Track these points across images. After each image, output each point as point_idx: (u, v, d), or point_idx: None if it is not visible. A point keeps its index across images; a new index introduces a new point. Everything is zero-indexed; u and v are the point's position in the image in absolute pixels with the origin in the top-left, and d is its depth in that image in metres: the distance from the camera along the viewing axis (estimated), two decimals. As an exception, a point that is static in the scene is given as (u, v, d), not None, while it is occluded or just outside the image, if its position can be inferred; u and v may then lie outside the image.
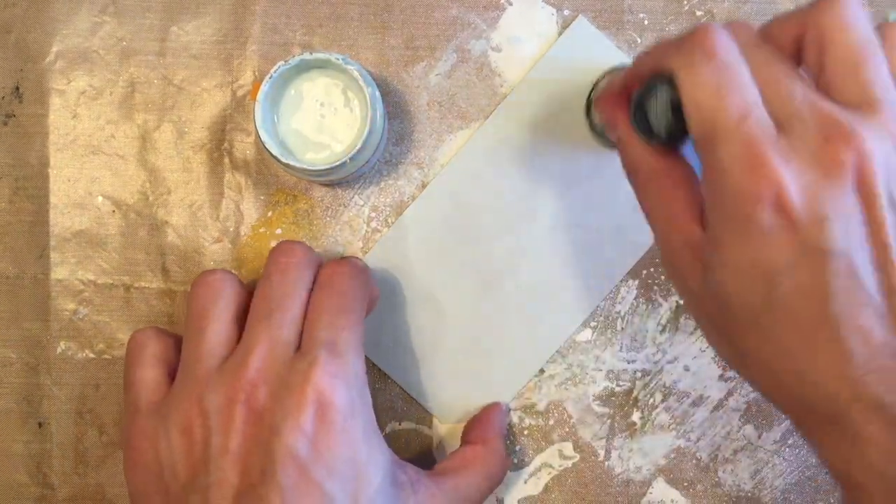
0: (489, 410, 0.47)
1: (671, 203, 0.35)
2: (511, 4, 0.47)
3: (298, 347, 0.39)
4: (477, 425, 0.46)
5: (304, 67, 0.43)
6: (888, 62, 0.32)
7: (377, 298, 0.45)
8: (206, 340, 0.39)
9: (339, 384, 0.37)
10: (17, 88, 0.47)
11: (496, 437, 0.45)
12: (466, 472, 0.43)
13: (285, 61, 0.42)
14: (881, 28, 0.33)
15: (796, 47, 0.33)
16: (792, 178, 0.30)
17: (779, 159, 0.30)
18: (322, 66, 0.43)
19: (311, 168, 0.42)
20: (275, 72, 0.42)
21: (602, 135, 0.45)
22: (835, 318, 0.30)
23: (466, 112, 0.47)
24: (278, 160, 0.42)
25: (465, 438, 0.46)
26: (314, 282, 0.41)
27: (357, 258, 0.46)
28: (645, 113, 0.35)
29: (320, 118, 0.44)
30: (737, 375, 0.47)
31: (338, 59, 0.42)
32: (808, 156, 0.30)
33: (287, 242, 0.41)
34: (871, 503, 0.31)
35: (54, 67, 0.47)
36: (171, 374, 0.40)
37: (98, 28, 0.47)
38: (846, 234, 0.30)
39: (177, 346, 0.41)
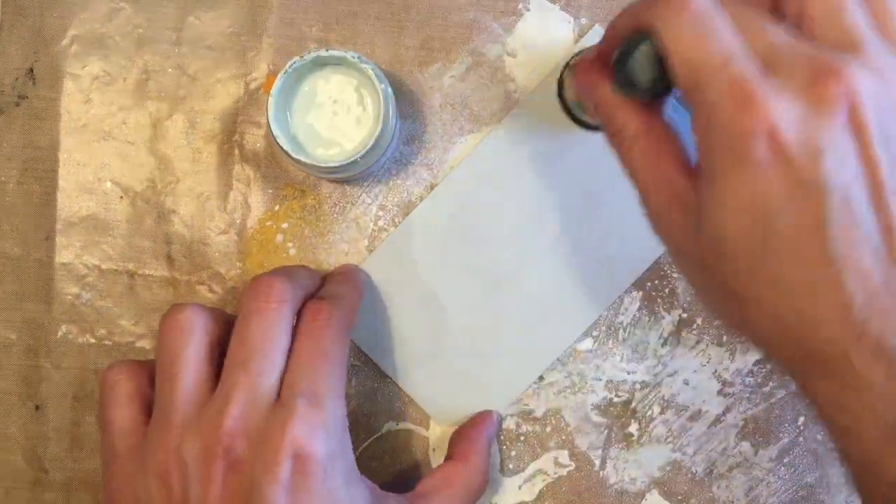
0: (477, 423, 0.47)
1: (658, 159, 0.35)
2: (528, 10, 0.47)
3: (280, 392, 0.38)
4: (462, 439, 0.46)
5: (318, 64, 0.43)
6: (867, 5, 0.32)
7: (363, 295, 0.45)
8: (180, 386, 0.38)
9: (318, 434, 0.36)
10: (31, 71, 0.47)
11: (479, 452, 0.45)
12: (448, 491, 0.44)
13: (301, 57, 0.42)
14: None
15: (775, 4, 0.33)
16: (784, 112, 0.30)
17: (769, 94, 0.30)
18: (337, 63, 0.43)
19: (321, 164, 0.42)
20: (290, 67, 0.42)
21: (575, 113, 0.46)
22: (833, 256, 0.30)
23: (479, 115, 0.47)
24: (289, 155, 0.42)
25: (450, 451, 0.46)
26: (297, 316, 0.40)
27: (347, 274, 0.46)
28: (627, 70, 0.35)
29: (332, 115, 0.44)
30: (736, 392, 0.47)
31: (353, 57, 0.42)
32: (798, 92, 0.30)
33: (265, 279, 0.40)
34: (869, 451, 0.31)
35: (69, 51, 0.47)
36: (149, 409, 0.39)
37: (115, 14, 0.47)
38: (842, 169, 0.30)
39: (152, 378, 0.40)
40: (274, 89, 0.42)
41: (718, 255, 0.33)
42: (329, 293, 0.42)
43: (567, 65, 0.46)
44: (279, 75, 0.42)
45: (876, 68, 0.31)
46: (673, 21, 0.32)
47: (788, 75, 0.31)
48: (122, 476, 0.38)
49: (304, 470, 0.36)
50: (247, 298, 0.39)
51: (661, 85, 0.35)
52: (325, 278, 0.45)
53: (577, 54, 0.46)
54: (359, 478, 0.39)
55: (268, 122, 0.42)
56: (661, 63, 0.34)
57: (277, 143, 0.42)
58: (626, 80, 0.36)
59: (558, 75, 0.46)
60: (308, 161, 0.42)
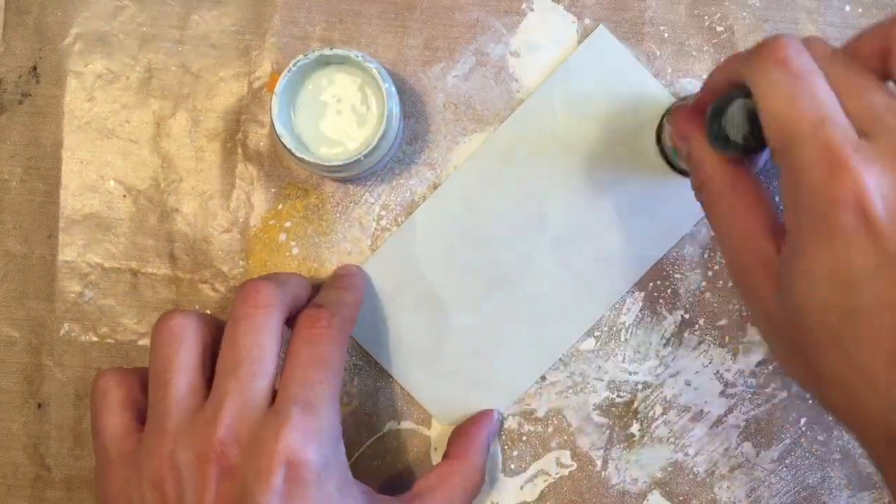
0: (475, 421, 0.47)
1: (743, 219, 0.34)
2: (532, 10, 0.47)
3: (274, 396, 0.38)
4: (460, 438, 0.46)
5: (322, 62, 0.43)
6: None
7: (362, 302, 0.45)
8: (173, 392, 0.38)
9: (311, 442, 0.36)
10: (35, 69, 0.47)
11: (477, 451, 0.45)
12: (444, 490, 0.44)
13: (305, 55, 0.42)
14: None
15: (882, 61, 0.32)
16: (874, 182, 0.29)
17: (859, 161, 0.29)
18: (341, 62, 0.43)
19: (324, 163, 0.42)
20: (293, 65, 0.42)
21: (672, 159, 0.46)
22: None
23: (482, 115, 0.47)
24: (292, 154, 0.42)
25: (448, 450, 0.46)
26: (291, 316, 0.40)
27: (347, 279, 0.46)
28: (721, 124, 0.35)
29: (336, 114, 0.44)
30: (738, 393, 0.47)
31: (357, 56, 0.42)
32: (892, 160, 0.29)
33: (252, 284, 0.39)
34: None
35: (73, 49, 0.47)
36: (141, 416, 0.40)
37: (119, 12, 0.47)
38: None
39: (143, 384, 0.40)
40: (278, 88, 0.42)
41: (797, 325, 0.32)
42: (328, 300, 0.42)
43: (668, 110, 0.46)
44: (283, 74, 0.42)
45: None
46: (770, 78, 0.32)
47: (885, 142, 0.30)
48: (116, 482, 0.38)
49: (298, 477, 0.35)
50: (235, 304, 0.39)
51: (754, 142, 0.34)
52: (317, 286, 0.45)
53: (680, 100, 0.45)
54: (352, 482, 0.39)
55: (271, 121, 0.42)
56: (754, 120, 0.33)
57: (281, 142, 0.42)
58: (718, 134, 0.35)
59: (659, 120, 0.46)
60: (311, 160, 0.42)
